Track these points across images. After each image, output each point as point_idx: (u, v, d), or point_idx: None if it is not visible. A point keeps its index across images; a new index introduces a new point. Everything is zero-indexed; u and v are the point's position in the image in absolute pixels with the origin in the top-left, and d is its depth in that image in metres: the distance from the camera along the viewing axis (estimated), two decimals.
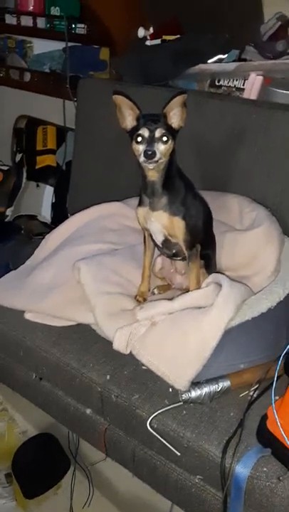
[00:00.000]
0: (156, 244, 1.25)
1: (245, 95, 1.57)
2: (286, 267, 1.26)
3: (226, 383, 1.08)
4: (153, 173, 1.12)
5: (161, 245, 1.23)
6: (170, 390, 1.10)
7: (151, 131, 1.08)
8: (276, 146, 1.43)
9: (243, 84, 1.58)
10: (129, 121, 1.12)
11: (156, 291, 1.34)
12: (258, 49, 1.59)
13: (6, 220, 2.21)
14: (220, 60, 1.66)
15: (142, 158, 1.08)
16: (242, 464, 0.97)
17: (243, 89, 1.58)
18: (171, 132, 1.09)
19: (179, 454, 1.06)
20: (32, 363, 1.35)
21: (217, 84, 1.64)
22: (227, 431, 1.02)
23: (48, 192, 2.19)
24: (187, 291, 1.21)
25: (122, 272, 1.31)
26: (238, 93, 1.59)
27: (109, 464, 1.35)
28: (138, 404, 1.11)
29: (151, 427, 1.07)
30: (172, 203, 1.16)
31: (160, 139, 1.08)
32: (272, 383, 0.98)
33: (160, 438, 1.07)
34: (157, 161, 1.08)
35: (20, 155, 2.28)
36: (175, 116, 1.10)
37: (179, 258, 1.26)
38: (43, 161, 2.20)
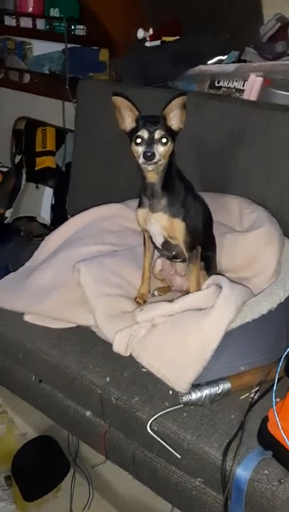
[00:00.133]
0: (156, 246, 1.25)
1: (245, 96, 1.57)
2: (286, 268, 1.26)
3: (227, 385, 1.07)
4: (152, 174, 1.12)
5: (161, 247, 1.23)
6: (170, 392, 1.10)
7: (151, 133, 1.07)
8: (276, 147, 1.43)
9: (243, 86, 1.58)
10: (128, 122, 1.12)
11: (156, 292, 1.33)
12: (258, 50, 1.59)
13: (5, 221, 2.20)
14: (220, 61, 1.66)
15: (141, 160, 1.07)
16: (243, 467, 0.96)
17: (242, 91, 1.58)
18: (171, 134, 1.09)
19: (179, 456, 1.05)
20: (32, 365, 1.35)
21: (217, 85, 1.64)
22: (228, 433, 1.02)
23: (47, 193, 2.18)
24: (187, 292, 1.21)
25: (122, 273, 1.31)
26: (238, 94, 1.59)
27: (109, 467, 1.35)
28: (138, 406, 1.11)
29: (151, 429, 1.07)
30: (172, 204, 1.15)
31: (159, 140, 1.08)
32: (272, 385, 0.98)
33: (160, 440, 1.06)
34: (156, 163, 1.08)
35: (20, 156, 2.27)
36: (174, 118, 1.10)
37: (178, 260, 1.26)
38: (43, 162, 2.19)
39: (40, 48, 2.25)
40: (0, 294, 1.41)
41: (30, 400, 1.47)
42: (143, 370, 1.14)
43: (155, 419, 1.07)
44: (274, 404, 0.95)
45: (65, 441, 1.86)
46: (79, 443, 1.82)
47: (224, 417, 1.06)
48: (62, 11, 2.00)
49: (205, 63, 1.67)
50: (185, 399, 1.06)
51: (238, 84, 1.60)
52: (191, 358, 1.06)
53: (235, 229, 1.38)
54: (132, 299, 1.27)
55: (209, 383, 1.07)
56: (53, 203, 2.16)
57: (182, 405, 1.07)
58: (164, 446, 1.06)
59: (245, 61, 1.62)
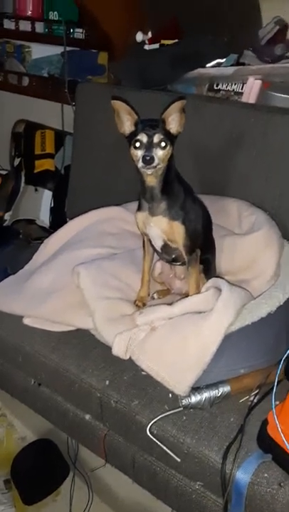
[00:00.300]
0: (155, 250, 1.25)
1: (244, 99, 1.57)
2: (286, 271, 1.26)
3: (226, 388, 1.07)
4: (151, 178, 1.12)
5: (160, 250, 1.23)
6: (170, 395, 1.09)
7: (150, 137, 1.08)
8: (274, 150, 1.43)
9: (242, 88, 1.58)
10: (127, 126, 1.12)
11: (155, 295, 1.33)
12: (257, 53, 1.59)
13: (4, 224, 2.20)
14: (218, 64, 1.66)
15: (140, 164, 1.07)
16: (242, 470, 0.96)
17: (241, 93, 1.58)
18: (170, 137, 1.09)
19: (179, 460, 1.05)
20: (31, 369, 1.35)
21: (215, 88, 1.64)
22: (227, 436, 1.02)
23: (46, 196, 2.18)
24: (187, 295, 1.21)
25: (121, 276, 1.31)
26: (237, 97, 1.59)
27: (109, 470, 1.34)
28: (138, 409, 1.10)
29: (151, 432, 1.07)
30: (171, 207, 1.15)
31: (158, 144, 1.08)
32: (272, 388, 0.98)
33: (160, 444, 1.06)
34: (155, 167, 1.08)
35: (19, 159, 2.27)
36: (173, 122, 1.10)
37: (178, 263, 1.26)
38: (42, 165, 2.19)
39: (39, 51, 2.25)
40: None
41: (30, 404, 1.47)
42: (142, 373, 1.14)
43: (155, 422, 1.07)
44: (274, 407, 0.95)
45: (64, 444, 1.86)
46: (78, 446, 1.81)
47: (224, 420, 1.05)
48: (61, 14, 2.00)
49: (204, 66, 1.67)
50: (185, 402, 1.06)
51: (236, 87, 1.60)
52: (191, 361, 1.06)
53: (234, 232, 1.38)
54: (132, 302, 1.27)
55: (209, 386, 1.07)
56: (52, 205, 2.16)
57: (182, 408, 1.07)
58: (164, 449, 1.06)
59: (243, 64, 1.61)
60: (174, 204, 1.16)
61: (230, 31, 1.66)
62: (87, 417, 1.25)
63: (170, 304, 1.18)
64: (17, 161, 2.29)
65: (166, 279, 1.33)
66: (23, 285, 1.40)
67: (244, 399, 1.08)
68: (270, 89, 1.53)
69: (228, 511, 1.00)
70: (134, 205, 1.25)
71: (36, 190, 2.19)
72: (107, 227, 1.50)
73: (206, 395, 1.06)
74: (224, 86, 1.63)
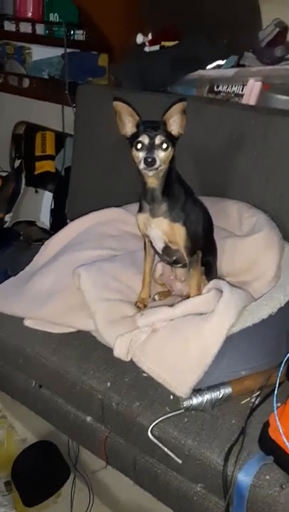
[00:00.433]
0: (156, 251, 1.25)
1: (244, 101, 1.57)
2: (286, 272, 1.26)
3: (228, 390, 1.07)
4: (153, 179, 1.12)
5: (161, 252, 1.23)
6: (171, 397, 1.09)
7: (151, 138, 1.08)
8: (275, 151, 1.43)
9: (242, 90, 1.58)
10: (129, 127, 1.12)
11: (156, 297, 1.33)
12: (257, 55, 1.59)
13: (4, 226, 2.19)
14: (219, 66, 1.67)
15: (141, 166, 1.07)
16: (244, 472, 0.96)
17: (241, 95, 1.58)
18: (171, 139, 1.09)
19: (180, 461, 1.05)
20: (32, 371, 1.34)
21: (216, 90, 1.64)
22: (229, 438, 1.02)
23: (46, 198, 2.18)
24: (188, 297, 1.21)
25: (122, 278, 1.30)
26: (237, 99, 1.59)
27: (110, 472, 1.34)
28: (139, 411, 1.10)
29: (152, 434, 1.07)
30: (172, 209, 1.15)
31: (160, 146, 1.08)
32: (273, 390, 0.98)
33: (161, 446, 1.06)
34: (157, 169, 1.08)
35: (19, 161, 2.27)
36: (175, 124, 1.10)
37: (179, 265, 1.26)
38: (42, 166, 2.19)
39: (39, 52, 2.25)
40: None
41: (31, 406, 1.46)
42: (144, 375, 1.14)
43: (156, 424, 1.06)
44: (275, 409, 0.95)
45: (65, 446, 1.86)
46: (79, 448, 1.81)
47: (225, 422, 1.05)
48: (62, 16, 2.00)
49: (204, 68, 1.67)
50: (186, 404, 1.06)
51: (237, 89, 1.60)
52: (192, 362, 1.06)
53: (234, 233, 1.38)
54: (133, 304, 1.27)
55: (210, 388, 1.07)
56: (53, 207, 2.16)
57: (183, 410, 1.07)
58: (165, 451, 1.06)
59: (244, 66, 1.62)
60: (175, 206, 1.16)
61: (231, 33, 1.66)
62: (88, 419, 1.25)
63: (171, 305, 1.18)
64: (17, 163, 2.29)
65: (167, 280, 1.33)
66: (23, 287, 1.40)
67: (245, 401, 1.08)
68: (270, 90, 1.54)
69: None
70: (135, 206, 1.25)
71: (37, 191, 2.19)
72: (108, 229, 1.50)
73: (207, 396, 1.06)
74: (224, 88, 1.63)
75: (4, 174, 2.34)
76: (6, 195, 2.27)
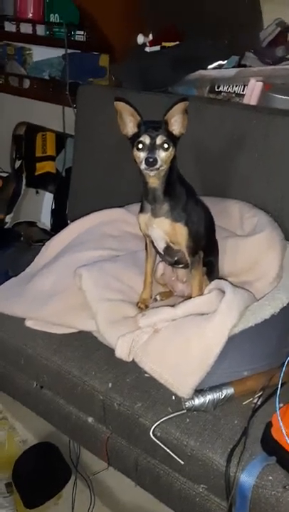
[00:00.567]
0: (157, 252, 1.24)
1: (245, 101, 1.57)
2: (288, 272, 1.25)
3: (230, 390, 1.07)
4: (154, 179, 1.12)
5: (162, 252, 1.22)
6: (173, 397, 1.09)
7: (153, 138, 1.07)
8: (276, 151, 1.43)
9: (243, 90, 1.58)
10: (130, 127, 1.12)
11: (158, 297, 1.33)
12: (258, 55, 1.59)
13: (5, 226, 2.20)
14: (220, 66, 1.67)
15: (143, 166, 1.07)
16: (247, 473, 0.96)
17: (242, 95, 1.58)
18: (172, 139, 1.09)
19: (182, 462, 1.05)
20: (33, 371, 1.34)
21: (217, 90, 1.64)
22: (231, 439, 1.01)
23: (47, 198, 2.18)
24: (189, 298, 1.20)
25: (123, 278, 1.30)
26: (238, 99, 1.59)
27: (111, 473, 1.34)
28: (141, 412, 1.10)
29: (154, 435, 1.06)
30: (174, 209, 1.15)
31: (161, 146, 1.08)
32: (276, 390, 0.98)
33: (163, 446, 1.06)
34: (158, 169, 1.08)
35: (20, 162, 2.27)
36: (176, 123, 1.10)
37: (180, 266, 1.25)
38: (43, 167, 2.19)
39: (40, 53, 2.25)
40: (0, 299, 1.40)
41: (32, 406, 1.46)
42: (145, 375, 1.13)
43: (158, 425, 1.06)
44: (278, 409, 0.95)
45: (66, 447, 1.85)
46: (80, 449, 1.81)
47: (227, 422, 1.05)
48: (62, 16, 2.01)
49: (205, 68, 1.68)
50: (188, 404, 1.06)
51: (238, 89, 1.60)
52: (194, 363, 1.06)
53: (236, 233, 1.38)
54: (134, 304, 1.27)
55: (212, 388, 1.07)
56: (53, 208, 2.16)
57: (185, 411, 1.06)
58: (167, 452, 1.05)
59: (245, 66, 1.62)
60: (177, 205, 1.16)
61: (232, 33, 1.67)
62: (90, 419, 1.25)
63: (173, 305, 1.17)
64: (18, 164, 2.29)
65: (169, 281, 1.33)
66: (24, 287, 1.40)
67: (248, 401, 1.08)
68: (271, 91, 1.54)
69: None
70: (136, 206, 1.24)
71: (37, 192, 2.19)
72: (109, 229, 1.50)
73: (209, 397, 1.06)
74: (225, 88, 1.63)
75: (5, 175, 2.34)
76: (6, 196, 2.27)
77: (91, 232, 1.49)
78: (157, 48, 1.83)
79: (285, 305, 1.14)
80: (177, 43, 1.78)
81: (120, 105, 1.11)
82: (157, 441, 1.06)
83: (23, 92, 2.23)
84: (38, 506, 1.83)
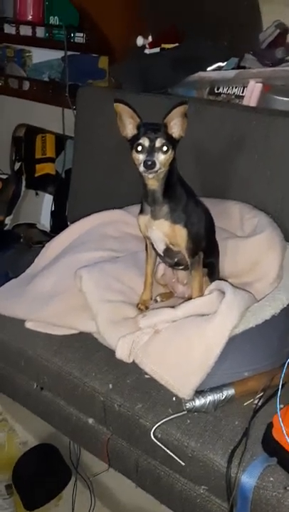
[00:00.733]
0: (158, 253, 1.24)
1: (245, 102, 1.57)
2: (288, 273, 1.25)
3: (230, 391, 1.07)
4: (153, 181, 1.12)
5: (162, 254, 1.22)
6: (174, 398, 1.09)
7: (152, 141, 1.07)
8: (276, 153, 1.43)
9: (243, 92, 1.58)
10: (129, 129, 1.12)
11: (158, 298, 1.33)
12: (257, 57, 1.59)
13: (5, 228, 2.20)
14: (219, 68, 1.67)
15: (141, 168, 1.07)
16: (248, 474, 0.95)
17: (242, 97, 1.58)
18: (172, 142, 1.09)
19: (183, 463, 1.05)
20: (33, 373, 1.34)
21: (216, 91, 1.65)
22: (232, 440, 1.01)
23: (47, 200, 2.18)
24: (190, 299, 1.20)
25: (124, 279, 1.30)
26: (238, 100, 1.60)
27: (111, 474, 1.34)
28: (141, 413, 1.10)
29: (154, 436, 1.06)
30: (173, 211, 1.15)
31: (160, 148, 1.08)
32: (277, 391, 0.98)
33: (164, 448, 1.05)
34: (157, 171, 1.08)
35: (19, 163, 2.27)
36: (176, 126, 1.10)
37: (180, 267, 1.25)
38: (42, 169, 2.19)
39: (39, 55, 2.26)
40: (0, 300, 1.40)
41: (32, 408, 1.46)
42: (146, 376, 1.13)
43: (158, 426, 1.06)
44: (278, 410, 0.95)
45: (66, 449, 1.85)
46: (80, 451, 1.81)
47: (228, 423, 1.05)
48: (62, 18, 2.01)
49: (204, 70, 1.68)
50: (189, 405, 1.06)
51: (237, 91, 1.60)
52: (195, 364, 1.06)
53: (236, 234, 1.38)
54: (134, 305, 1.27)
55: (213, 389, 1.07)
56: (53, 209, 2.16)
57: (186, 412, 1.06)
58: (168, 453, 1.05)
59: (244, 67, 1.62)
60: (176, 207, 1.16)
61: (231, 35, 1.67)
62: (91, 421, 1.25)
63: (173, 307, 1.17)
64: (17, 165, 2.29)
65: (169, 282, 1.33)
66: (24, 289, 1.40)
67: (248, 402, 1.08)
68: (271, 92, 1.54)
69: None
70: (136, 208, 1.25)
71: (37, 194, 2.19)
72: (109, 231, 1.50)
73: (210, 398, 1.06)
74: (225, 89, 1.63)
75: (4, 177, 2.34)
76: (6, 197, 2.27)
77: (91, 233, 1.49)
78: (157, 49, 1.83)
79: (285, 305, 1.14)
80: (177, 44, 1.78)
81: (120, 107, 1.11)
82: (158, 443, 1.06)
83: (23, 93, 2.23)
84: (38, 508, 1.83)
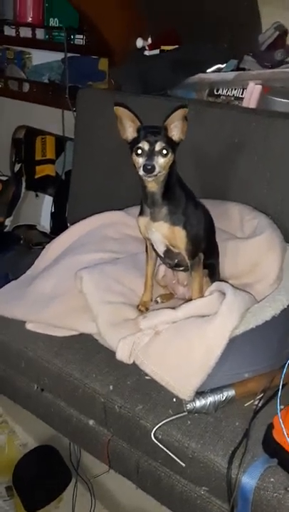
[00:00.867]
0: (158, 254, 1.25)
1: (244, 104, 1.57)
2: (288, 274, 1.26)
3: (231, 392, 1.07)
4: (153, 184, 1.12)
5: (162, 255, 1.23)
6: (174, 399, 1.09)
7: (151, 145, 1.08)
8: (276, 154, 1.43)
9: (242, 94, 1.58)
10: (129, 132, 1.12)
11: (159, 299, 1.33)
12: (257, 58, 1.60)
13: (5, 230, 2.19)
14: (219, 70, 1.67)
15: (141, 172, 1.08)
16: (248, 475, 0.95)
17: (241, 99, 1.58)
18: (172, 145, 1.09)
19: (183, 465, 1.05)
20: (33, 374, 1.34)
21: (216, 93, 1.65)
22: (232, 441, 1.01)
23: (47, 202, 2.18)
24: (190, 300, 1.21)
25: (124, 280, 1.30)
26: (237, 102, 1.60)
27: (112, 476, 1.34)
28: (142, 414, 1.10)
29: (155, 437, 1.06)
30: (173, 213, 1.15)
31: (160, 152, 1.08)
32: (277, 392, 0.98)
33: (165, 449, 1.05)
34: (156, 175, 1.08)
35: (19, 165, 2.27)
36: (176, 129, 1.10)
37: (181, 268, 1.26)
38: (42, 170, 2.19)
39: (39, 57, 2.26)
40: (1, 302, 1.40)
41: (32, 409, 1.46)
42: (146, 377, 1.14)
43: (159, 427, 1.06)
44: (279, 411, 0.95)
45: (66, 450, 1.85)
46: (81, 452, 1.80)
47: (229, 424, 1.05)
48: (62, 20, 2.01)
49: (204, 71, 1.68)
50: (189, 406, 1.06)
51: (237, 93, 1.60)
52: (195, 365, 1.06)
53: (236, 235, 1.39)
54: (135, 307, 1.27)
55: (213, 390, 1.07)
56: (53, 211, 2.16)
57: (186, 413, 1.06)
58: (169, 454, 1.05)
59: (244, 69, 1.62)
60: (176, 209, 1.16)
61: (231, 37, 1.67)
62: (91, 422, 1.25)
63: (173, 308, 1.17)
64: (17, 167, 2.29)
65: (170, 283, 1.33)
66: (25, 290, 1.40)
67: (249, 403, 1.08)
68: (270, 94, 1.54)
69: None
70: (136, 209, 1.25)
71: (37, 195, 2.19)
72: (109, 232, 1.50)
73: (210, 399, 1.06)
74: (224, 91, 1.63)
75: (4, 178, 2.34)
76: (6, 199, 2.27)
77: (91, 235, 1.49)
78: (156, 51, 1.83)
79: (285, 307, 1.15)
80: (176, 46, 1.78)
81: (120, 110, 1.11)
82: (158, 444, 1.06)
83: (23, 95, 2.24)
84: (38, 510, 1.83)
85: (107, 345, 1.20)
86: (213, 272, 1.25)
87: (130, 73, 1.81)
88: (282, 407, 0.96)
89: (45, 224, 2.16)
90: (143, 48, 1.87)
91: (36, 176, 2.20)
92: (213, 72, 1.68)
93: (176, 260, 1.23)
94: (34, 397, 1.39)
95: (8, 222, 2.22)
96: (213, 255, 1.27)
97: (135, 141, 1.10)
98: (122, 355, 1.14)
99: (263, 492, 0.94)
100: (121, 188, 1.71)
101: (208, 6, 1.69)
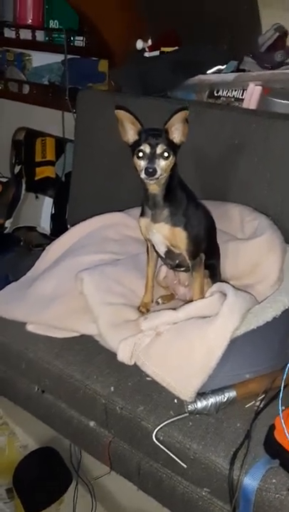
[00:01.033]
0: (159, 255, 1.25)
1: (244, 105, 1.58)
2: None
3: (232, 393, 1.07)
4: (154, 186, 1.13)
5: (164, 256, 1.23)
6: (175, 401, 1.09)
7: (153, 147, 1.08)
8: (276, 155, 1.43)
9: (242, 95, 1.58)
10: (130, 135, 1.12)
11: (160, 300, 1.33)
12: (257, 60, 1.60)
13: (5, 231, 2.20)
14: (219, 71, 1.67)
15: (143, 175, 1.08)
16: (250, 476, 0.95)
17: (242, 100, 1.59)
18: (173, 147, 1.09)
19: (185, 466, 1.05)
20: (34, 376, 1.34)
21: (216, 94, 1.65)
22: (234, 442, 1.01)
23: (47, 203, 2.18)
24: (191, 301, 1.21)
25: (124, 282, 1.30)
26: (237, 103, 1.60)
27: (113, 478, 1.33)
28: (143, 416, 1.10)
29: (156, 439, 1.06)
30: (174, 214, 1.16)
31: (161, 155, 1.08)
32: (278, 393, 0.98)
33: (166, 450, 1.05)
34: (158, 178, 1.08)
35: (19, 167, 2.27)
36: (177, 132, 1.10)
37: (182, 269, 1.26)
38: (42, 172, 2.19)
39: (39, 59, 2.27)
40: (1, 304, 1.40)
41: (33, 411, 1.46)
42: (147, 378, 1.14)
43: (160, 428, 1.06)
44: (280, 412, 0.95)
45: (67, 452, 1.85)
46: (81, 454, 1.80)
47: (230, 425, 1.05)
48: (62, 22, 2.02)
49: (204, 73, 1.68)
50: (190, 408, 1.06)
51: (237, 94, 1.61)
52: (196, 366, 1.06)
53: (236, 236, 1.39)
54: (136, 308, 1.27)
55: (214, 391, 1.07)
56: (53, 212, 2.16)
57: (187, 414, 1.06)
58: (170, 455, 1.05)
59: (244, 70, 1.62)
60: (177, 211, 1.16)
61: (231, 38, 1.68)
62: (92, 423, 1.24)
63: (174, 309, 1.17)
64: (17, 169, 2.29)
65: (171, 284, 1.33)
66: (25, 292, 1.40)
67: (250, 404, 1.08)
68: (270, 95, 1.54)
69: None
70: (137, 210, 1.25)
71: (37, 197, 2.19)
72: (110, 233, 1.50)
73: (211, 400, 1.06)
74: (224, 92, 1.63)
75: (4, 180, 2.35)
76: (6, 201, 2.27)
77: (92, 236, 1.50)
78: (156, 53, 1.83)
79: (286, 307, 1.15)
80: (176, 48, 1.78)
81: (121, 113, 1.11)
82: (160, 445, 1.06)
83: (23, 97, 2.24)
84: None
85: (108, 346, 1.20)
86: (214, 273, 1.25)
87: (130, 75, 1.81)
88: (283, 407, 0.96)
89: (45, 225, 2.16)
90: (143, 50, 1.87)
91: (36, 178, 2.20)
92: (213, 74, 1.68)
93: (177, 261, 1.23)
94: (35, 398, 1.38)
95: (8, 223, 2.22)
96: (214, 256, 1.27)
97: (136, 144, 1.10)
98: (123, 356, 1.14)
99: (264, 493, 0.94)
100: (121, 190, 1.71)
101: (208, 8, 1.69)
